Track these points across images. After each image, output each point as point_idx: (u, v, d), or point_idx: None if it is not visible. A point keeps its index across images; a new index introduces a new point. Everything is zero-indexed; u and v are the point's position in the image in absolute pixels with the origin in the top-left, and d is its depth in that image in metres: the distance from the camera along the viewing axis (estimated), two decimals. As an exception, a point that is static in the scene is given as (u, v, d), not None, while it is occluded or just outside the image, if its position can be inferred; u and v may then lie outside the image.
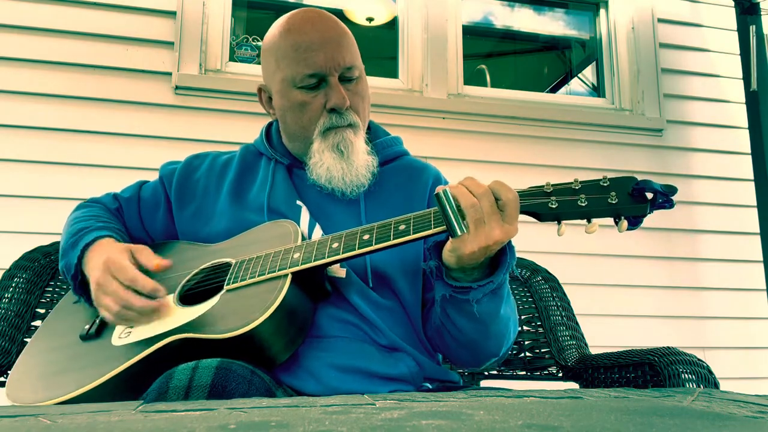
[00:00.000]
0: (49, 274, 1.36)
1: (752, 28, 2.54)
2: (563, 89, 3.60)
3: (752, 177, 2.53)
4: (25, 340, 1.26)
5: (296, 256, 0.95)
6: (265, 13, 3.01)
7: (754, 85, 2.50)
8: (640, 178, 0.86)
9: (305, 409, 0.48)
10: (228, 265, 1.03)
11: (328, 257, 0.92)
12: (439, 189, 0.85)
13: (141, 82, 2.27)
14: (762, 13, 2.59)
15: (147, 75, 2.28)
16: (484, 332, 0.98)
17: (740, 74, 2.62)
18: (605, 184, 0.86)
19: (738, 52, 2.64)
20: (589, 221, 0.87)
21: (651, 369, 1.10)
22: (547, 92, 3.64)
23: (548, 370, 1.42)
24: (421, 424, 0.41)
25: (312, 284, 0.97)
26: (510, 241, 0.92)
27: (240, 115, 2.31)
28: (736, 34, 2.67)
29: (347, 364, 0.96)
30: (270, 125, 1.25)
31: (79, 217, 1.15)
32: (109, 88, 2.24)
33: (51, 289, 1.35)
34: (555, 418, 0.44)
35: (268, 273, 0.94)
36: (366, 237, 0.92)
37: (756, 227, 2.50)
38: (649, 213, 0.85)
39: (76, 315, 1.10)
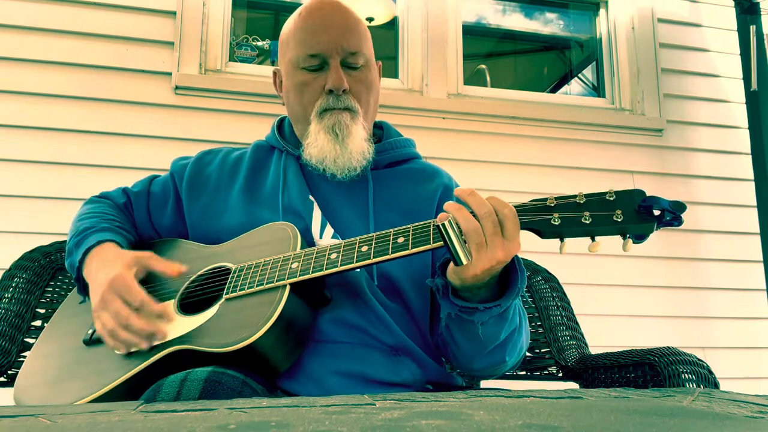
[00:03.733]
0: (49, 274, 1.36)
1: (752, 28, 2.54)
2: (563, 89, 3.60)
3: (752, 177, 2.52)
4: (24, 340, 1.26)
5: (294, 266, 0.94)
6: (265, 13, 3.01)
7: (754, 85, 2.50)
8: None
9: (305, 409, 0.48)
10: (227, 270, 1.02)
11: (326, 269, 0.92)
12: (440, 219, 0.83)
13: (141, 82, 2.27)
14: (762, 13, 2.58)
15: (147, 75, 2.28)
16: (482, 352, 0.99)
17: (740, 74, 2.61)
18: (611, 199, 0.83)
19: (738, 52, 2.64)
20: (593, 239, 0.84)
21: (651, 369, 1.10)
22: (547, 92, 3.63)
23: (548, 370, 1.42)
24: (421, 424, 0.41)
25: (311, 293, 0.97)
26: (521, 264, 0.92)
27: (240, 115, 2.30)
28: (736, 34, 2.67)
29: (350, 369, 0.96)
30: (282, 120, 1.25)
31: (86, 214, 1.15)
32: (109, 88, 2.23)
33: (51, 289, 1.35)
34: (555, 418, 0.44)
35: (266, 283, 0.94)
36: (364, 249, 0.92)
37: (756, 227, 2.49)
38: (655, 230, 0.82)
39: (80, 316, 1.10)
